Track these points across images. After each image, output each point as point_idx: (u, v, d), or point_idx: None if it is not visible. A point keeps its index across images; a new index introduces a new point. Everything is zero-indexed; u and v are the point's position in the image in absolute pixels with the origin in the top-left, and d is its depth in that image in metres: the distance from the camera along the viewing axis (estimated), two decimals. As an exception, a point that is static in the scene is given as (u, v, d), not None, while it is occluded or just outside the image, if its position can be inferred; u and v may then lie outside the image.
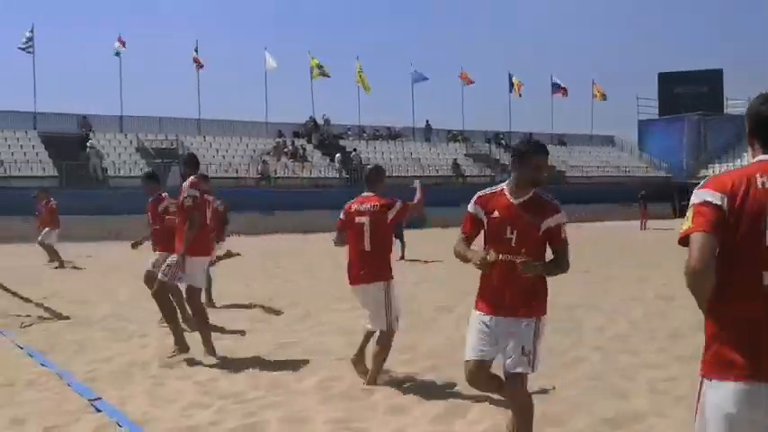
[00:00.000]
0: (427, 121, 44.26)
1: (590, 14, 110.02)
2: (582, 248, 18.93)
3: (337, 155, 36.61)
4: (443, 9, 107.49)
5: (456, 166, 39.39)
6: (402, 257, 16.48)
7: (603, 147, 49.40)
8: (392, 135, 42.63)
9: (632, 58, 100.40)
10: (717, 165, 45.67)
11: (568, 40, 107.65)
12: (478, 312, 3.98)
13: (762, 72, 79.84)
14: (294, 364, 6.41)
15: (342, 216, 5.92)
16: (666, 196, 40.39)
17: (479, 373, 3.92)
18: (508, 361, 3.84)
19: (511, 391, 3.94)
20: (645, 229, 28.99)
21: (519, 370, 3.83)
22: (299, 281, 13.27)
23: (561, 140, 48.10)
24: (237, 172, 33.54)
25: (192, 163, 7.41)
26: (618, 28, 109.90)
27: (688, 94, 49.61)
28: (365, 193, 5.86)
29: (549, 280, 3.97)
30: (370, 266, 5.65)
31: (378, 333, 5.76)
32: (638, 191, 32.19)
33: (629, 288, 11.37)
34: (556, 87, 47.44)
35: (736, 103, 50.29)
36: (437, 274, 13.93)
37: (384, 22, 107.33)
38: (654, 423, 4.72)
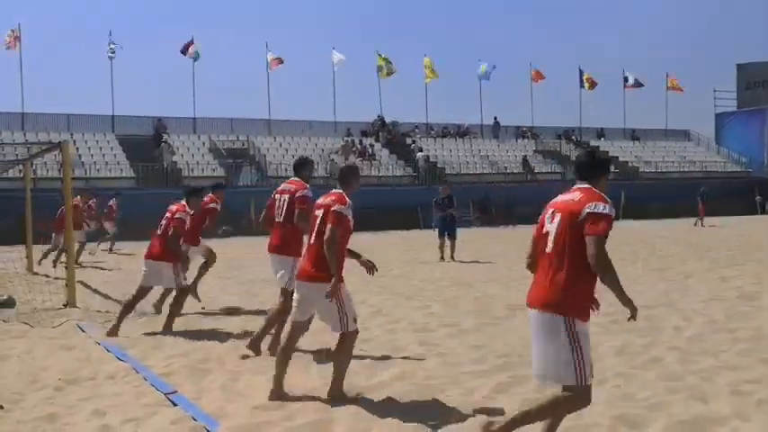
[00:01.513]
0: (495, 118, 43.89)
1: (664, 5, 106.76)
2: (654, 246, 18.45)
3: (418, 153, 36.66)
4: (511, 4, 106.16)
5: (525, 162, 38.89)
6: (450, 257, 16.27)
7: (679, 141, 47.93)
8: (460, 133, 42.41)
9: (708, 50, 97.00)
10: (801, 158, 43.77)
11: (641, 33, 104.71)
12: (587, 324, 3.91)
13: None
14: (368, 361, 6.43)
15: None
16: (746, 192, 38.92)
17: None
18: None
19: None
20: (702, 226, 27.83)
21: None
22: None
23: (634, 135, 46.92)
24: (307, 171, 33.96)
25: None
26: (693, 19, 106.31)
27: (768, 85, 47.65)
28: (336, 190, 5.50)
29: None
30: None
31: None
32: (700, 187, 30.87)
33: (708, 286, 10.98)
34: (627, 81, 46.33)
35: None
36: (501, 272, 13.75)
37: (451, 19, 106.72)
38: (736, 426, 4.55)
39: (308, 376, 5.99)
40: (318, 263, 5.21)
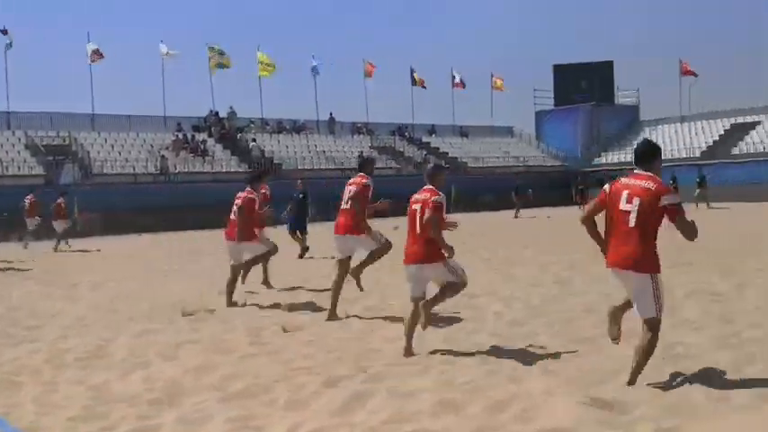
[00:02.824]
0: (331, 114, 44.24)
1: (487, 6, 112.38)
2: (484, 237, 19.42)
3: (251, 143, 36.09)
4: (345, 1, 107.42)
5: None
6: (301, 255, 15.82)
7: (503, 138, 50.73)
8: (296, 128, 42.32)
9: (528, 51, 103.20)
10: (609, 153, 47.78)
11: (468, 32, 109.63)
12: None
13: (648, 64, 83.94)
14: (200, 361, 6.28)
15: None
16: (563, 184, 41.91)
17: None
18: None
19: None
20: (517, 217, 29.96)
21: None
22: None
23: (463, 132, 49.09)
24: (135, 169, 32.50)
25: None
26: (515, 21, 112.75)
27: (582, 84, 51.61)
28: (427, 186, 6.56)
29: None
30: None
31: None
32: (516, 181, 33.32)
33: (529, 273, 11.71)
34: (455, 80, 48.43)
35: (626, 93, 52.83)
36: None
37: (285, 13, 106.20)
38: (543, 400, 4.90)
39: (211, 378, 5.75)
40: (425, 247, 6.29)
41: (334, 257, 8.93)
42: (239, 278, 9.94)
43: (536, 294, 9.50)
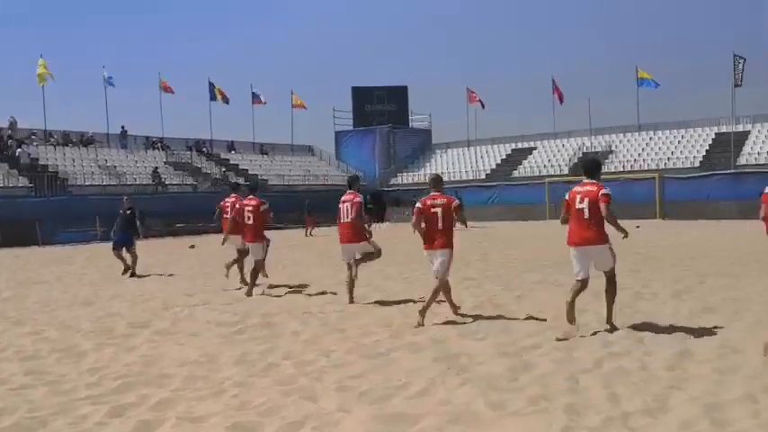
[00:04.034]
0: (123, 127, 42.08)
1: (289, 26, 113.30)
2: (279, 253, 19.37)
3: (18, 150, 33.15)
4: (140, 10, 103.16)
5: (156, 174, 37.94)
6: (126, 271, 15.26)
7: (304, 156, 51.18)
8: (84, 141, 39.75)
9: (329, 72, 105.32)
10: (405, 173, 49.91)
11: (269, 49, 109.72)
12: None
13: (438, 89, 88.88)
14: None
15: None
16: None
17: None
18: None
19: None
20: (310, 235, 30.51)
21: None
22: None
23: (263, 150, 48.87)
24: None
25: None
26: (314, 43, 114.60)
27: (379, 107, 53.57)
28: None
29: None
30: None
31: None
32: (306, 200, 33.74)
33: (327, 290, 11.82)
34: (256, 97, 48.16)
35: (418, 117, 55.53)
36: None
37: (75, 20, 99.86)
38: (341, 417, 4.96)
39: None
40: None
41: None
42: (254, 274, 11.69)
43: (333, 311, 9.61)
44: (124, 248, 15.65)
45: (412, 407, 5.15)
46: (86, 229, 30.28)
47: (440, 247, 8.52)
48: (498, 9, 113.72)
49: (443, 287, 8.67)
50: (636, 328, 7.74)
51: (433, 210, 8.52)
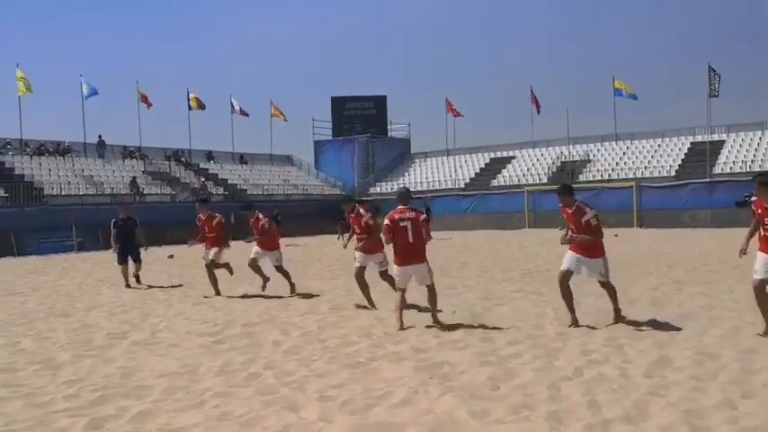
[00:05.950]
0: (100, 136, 41.67)
1: (268, 37, 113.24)
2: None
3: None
4: (119, 17, 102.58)
5: (134, 183, 37.65)
6: (131, 282, 14.98)
7: (283, 166, 51.06)
8: (60, 150, 39.34)
9: (308, 83, 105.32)
10: (383, 182, 49.95)
11: (249, 60, 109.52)
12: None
13: (417, 99, 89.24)
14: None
15: None
16: (341, 212, 42.96)
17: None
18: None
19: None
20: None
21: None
22: None
23: (243, 159, 48.69)
24: None
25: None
26: (293, 53, 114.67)
27: (358, 117, 53.66)
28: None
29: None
30: None
31: None
32: (274, 210, 33.28)
33: (307, 300, 11.77)
34: (234, 108, 47.99)
35: (398, 126, 55.71)
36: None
37: (50, 28, 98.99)
38: (321, 427, 4.94)
39: None
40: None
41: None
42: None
43: (313, 321, 9.58)
44: (130, 261, 15.15)
45: (394, 416, 5.15)
46: (63, 240, 29.98)
47: (416, 262, 8.74)
48: (477, 19, 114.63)
49: (434, 292, 8.99)
50: (615, 335, 7.81)
51: (402, 224, 8.68)
